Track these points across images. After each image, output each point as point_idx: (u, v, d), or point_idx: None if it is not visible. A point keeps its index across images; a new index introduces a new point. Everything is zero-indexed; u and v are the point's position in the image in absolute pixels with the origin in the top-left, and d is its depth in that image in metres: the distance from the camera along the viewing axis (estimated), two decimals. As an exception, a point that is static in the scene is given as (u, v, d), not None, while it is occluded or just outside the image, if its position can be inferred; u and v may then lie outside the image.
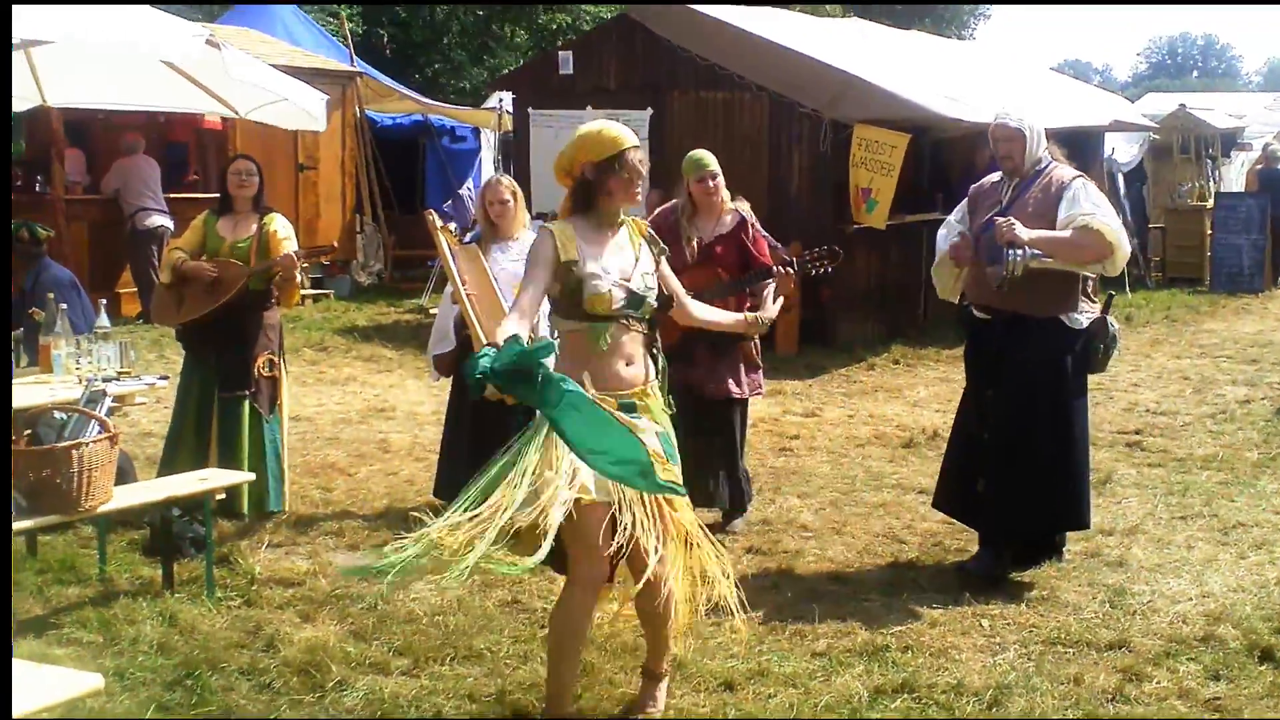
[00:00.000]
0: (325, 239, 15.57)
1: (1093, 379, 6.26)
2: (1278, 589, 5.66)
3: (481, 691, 4.63)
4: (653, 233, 4.42)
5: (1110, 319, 5.77)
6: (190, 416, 6.75)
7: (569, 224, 4.23)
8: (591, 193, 4.20)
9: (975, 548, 5.95)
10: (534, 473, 3.95)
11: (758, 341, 6.49)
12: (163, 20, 8.34)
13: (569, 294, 4.17)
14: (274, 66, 10.01)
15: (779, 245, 6.60)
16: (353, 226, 16.46)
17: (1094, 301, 5.80)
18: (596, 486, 4.03)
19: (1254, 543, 6.32)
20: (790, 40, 12.64)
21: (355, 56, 17.59)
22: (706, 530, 4.45)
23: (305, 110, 9.00)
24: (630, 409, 4.20)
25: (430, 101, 19.13)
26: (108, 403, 5.66)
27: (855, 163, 11.63)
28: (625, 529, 4.01)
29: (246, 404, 6.66)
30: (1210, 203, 17.47)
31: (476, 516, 3.91)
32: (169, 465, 6.63)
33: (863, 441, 8.60)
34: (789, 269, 6.23)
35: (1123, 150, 17.71)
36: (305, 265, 6.88)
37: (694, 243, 6.35)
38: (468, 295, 6.34)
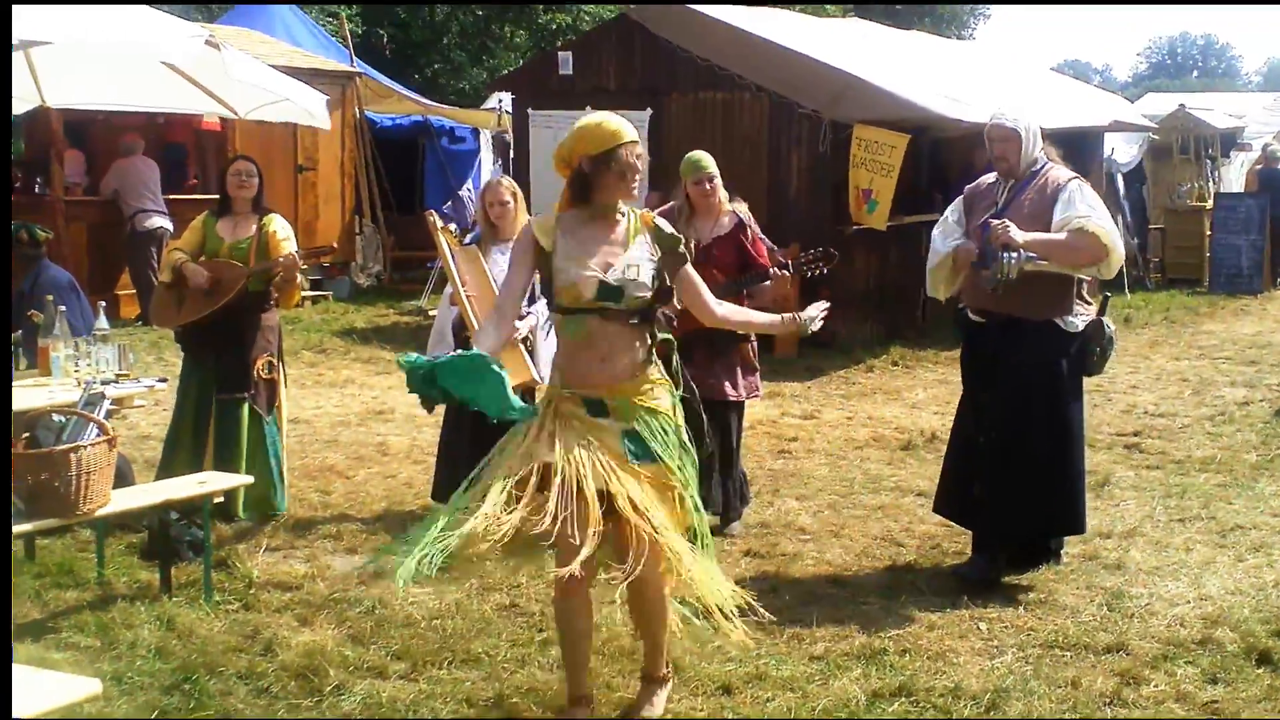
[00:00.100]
0: (324, 240, 15.58)
1: (1091, 380, 6.27)
2: (1276, 592, 5.67)
3: (479, 695, 4.63)
4: (663, 225, 4.34)
5: (1106, 321, 5.75)
6: (188, 419, 6.75)
7: (557, 216, 4.26)
8: (588, 185, 4.21)
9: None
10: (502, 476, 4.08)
11: (755, 344, 6.49)
12: (162, 21, 8.35)
13: (546, 285, 4.28)
14: (273, 67, 10.02)
15: (776, 248, 6.61)
16: (352, 227, 16.47)
17: (1089, 304, 5.79)
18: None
19: (1252, 545, 6.32)
20: (790, 41, 12.64)
21: (355, 57, 17.59)
22: (708, 534, 4.42)
23: (306, 110, 9.01)
24: (598, 408, 4.18)
25: (430, 102, 19.13)
26: (106, 405, 5.66)
27: (855, 163, 11.63)
28: (596, 530, 4.00)
29: (246, 406, 6.66)
30: (1209, 203, 17.48)
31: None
32: (167, 468, 6.63)
33: (861, 444, 8.60)
34: (786, 271, 6.23)
35: (1122, 151, 17.71)
36: (304, 267, 6.87)
37: (692, 244, 6.34)
38: (467, 297, 6.34)
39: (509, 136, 16.19)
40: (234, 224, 6.72)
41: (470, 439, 6.37)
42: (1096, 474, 7.60)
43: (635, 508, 4.06)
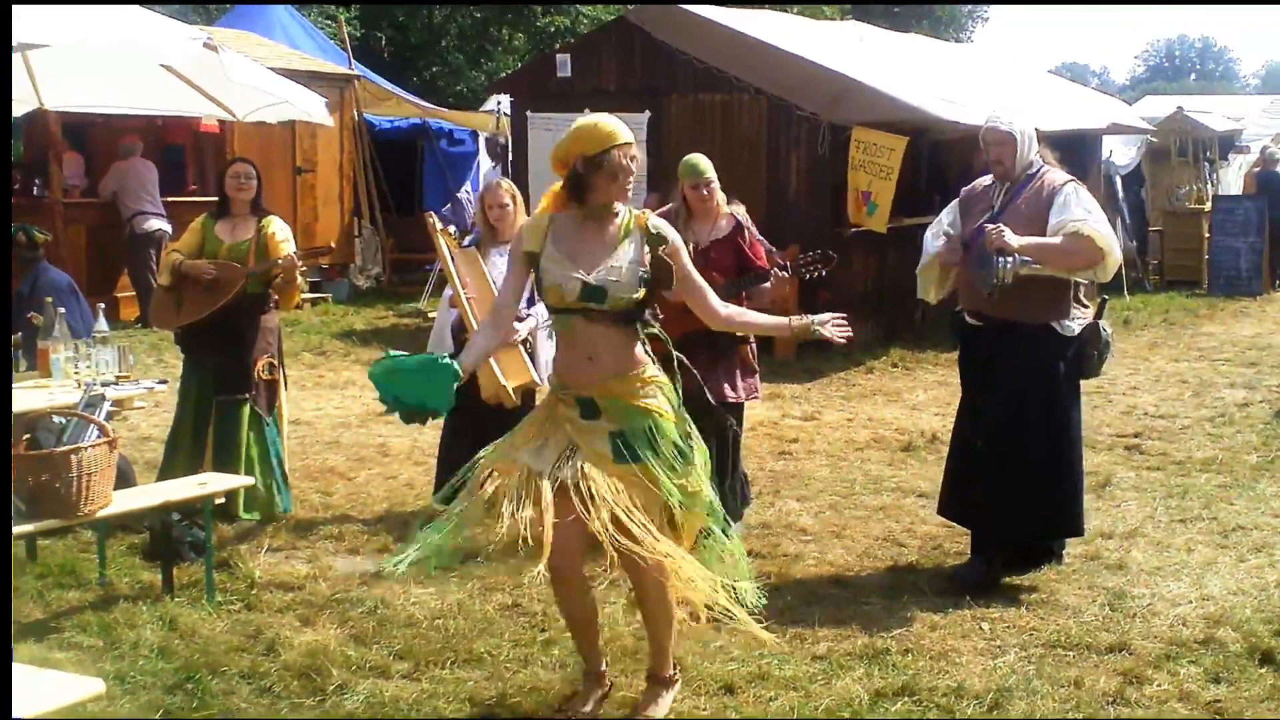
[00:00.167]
0: (323, 242, 15.60)
1: (1092, 382, 6.27)
2: (1278, 591, 5.67)
3: (482, 695, 4.63)
4: (655, 225, 4.34)
5: (1103, 324, 5.73)
6: (189, 420, 6.75)
7: (550, 217, 4.29)
8: (581, 185, 4.23)
9: (973, 552, 5.95)
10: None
11: (754, 345, 6.49)
12: (160, 23, 8.37)
13: (535, 285, 4.33)
14: (272, 70, 10.04)
15: (774, 249, 6.60)
16: (351, 230, 16.47)
17: (1087, 306, 5.77)
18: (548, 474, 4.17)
19: (1253, 545, 6.32)
20: (788, 43, 12.65)
21: (353, 59, 17.59)
22: (724, 535, 4.40)
23: (305, 110, 9.03)
24: (590, 408, 4.22)
25: (428, 104, 19.14)
26: (106, 407, 5.65)
27: (854, 165, 11.63)
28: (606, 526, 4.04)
29: (246, 407, 6.66)
30: (1208, 205, 17.48)
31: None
32: (168, 469, 6.63)
33: (861, 445, 8.60)
34: (784, 273, 6.23)
35: (1120, 153, 17.72)
36: (304, 269, 6.87)
37: (690, 247, 6.34)
38: (467, 299, 6.35)
39: (503, 139, 16.21)
40: (233, 226, 6.71)
41: (472, 440, 6.35)
42: (1098, 475, 7.61)
43: (620, 521, 4.08)
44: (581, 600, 4.41)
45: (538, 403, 4.52)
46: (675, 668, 4.56)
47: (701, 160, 6.37)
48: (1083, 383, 5.90)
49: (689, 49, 12.58)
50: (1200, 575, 5.89)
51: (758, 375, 6.55)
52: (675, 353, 4.40)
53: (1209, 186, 18.16)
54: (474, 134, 18.17)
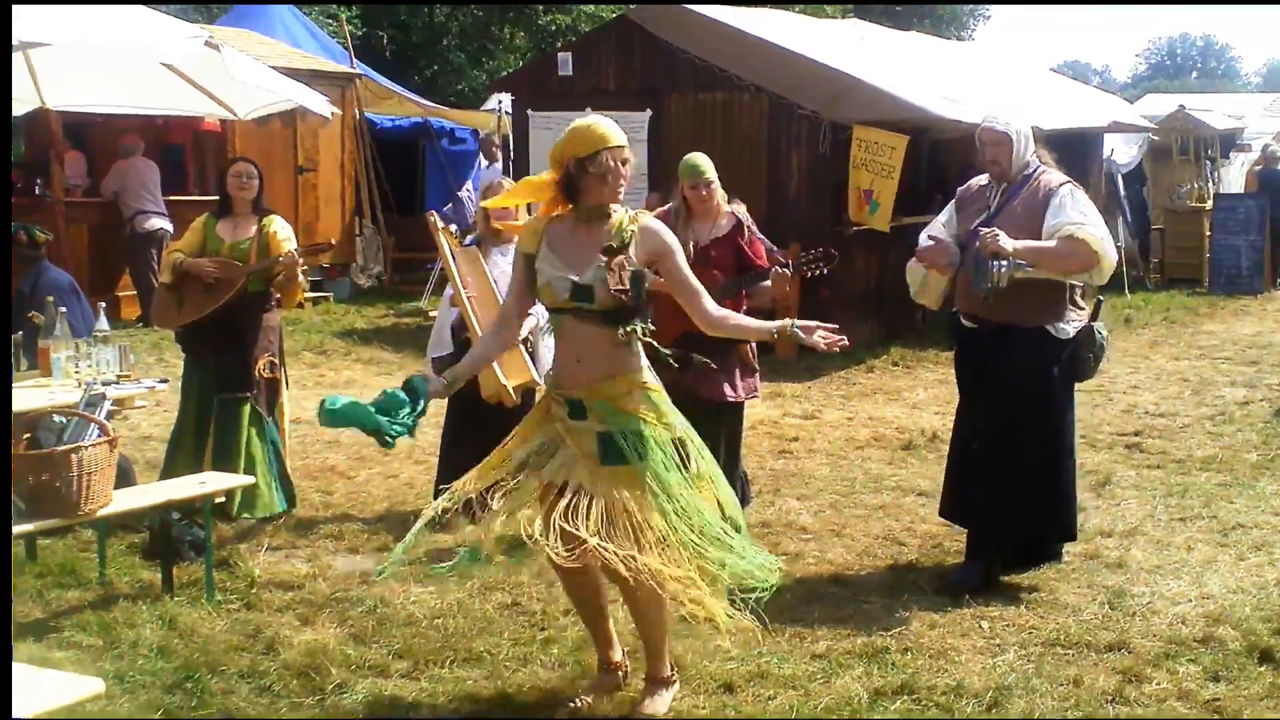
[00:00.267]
0: (324, 241, 15.57)
1: (1092, 380, 6.26)
2: (1277, 590, 5.67)
3: (481, 694, 4.63)
4: (647, 225, 4.34)
5: (1098, 326, 5.70)
6: (190, 419, 6.76)
7: (548, 219, 4.34)
8: (574, 186, 4.27)
9: (976, 551, 5.95)
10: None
11: (754, 344, 6.48)
12: (162, 22, 8.36)
13: (530, 285, 4.37)
14: (273, 68, 10.04)
15: (775, 248, 6.60)
16: (352, 229, 16.46)
17: (1082, 308, 5.74)
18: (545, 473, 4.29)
19: (1253, 544, 6.32)
20: (789, 41, 12.64)
21: (354, 58, 17.59)
22: (728, 535, 4.38)
23: (305, 107, 9.04)
24: (577, 409, 4.26)
25: (430, 103, 19.13)
26: (107, 406, 5.65)
27: (856, 164, 11.63)
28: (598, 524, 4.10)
29: (248, 406, 6.66)
30: (1209, 204, 17.47)
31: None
32: (170, 469, 6.64)
33: (862, 444, 8.60)
34: (785, 271, 6.23)
35: (1122, 151, 17.71)
36: (305, 268, 6.87)
37: (690, 246, 6.34)
38: (468, 298, 6.35)
39: (497, 138, 16.21)
40: (234, 225, 6.72)
41: (472, 439, 6.37)
42: (1097, 473, 7.62)
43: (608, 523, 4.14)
44: (589, 589, 4.43)
45: (537, 400, 4.54)
46: (673, 668, 4.57)
47: (701, 160, 6.36)
48: (1082, 383, 5.90)
49: (690, 48, 12.57)
50: (1200, 574, 5.89)
51: (757, 374, 6.55)
52: (670, 350, 4.41)
53: (1210, 185, 18.15)
54: (475, 133, 18.17)
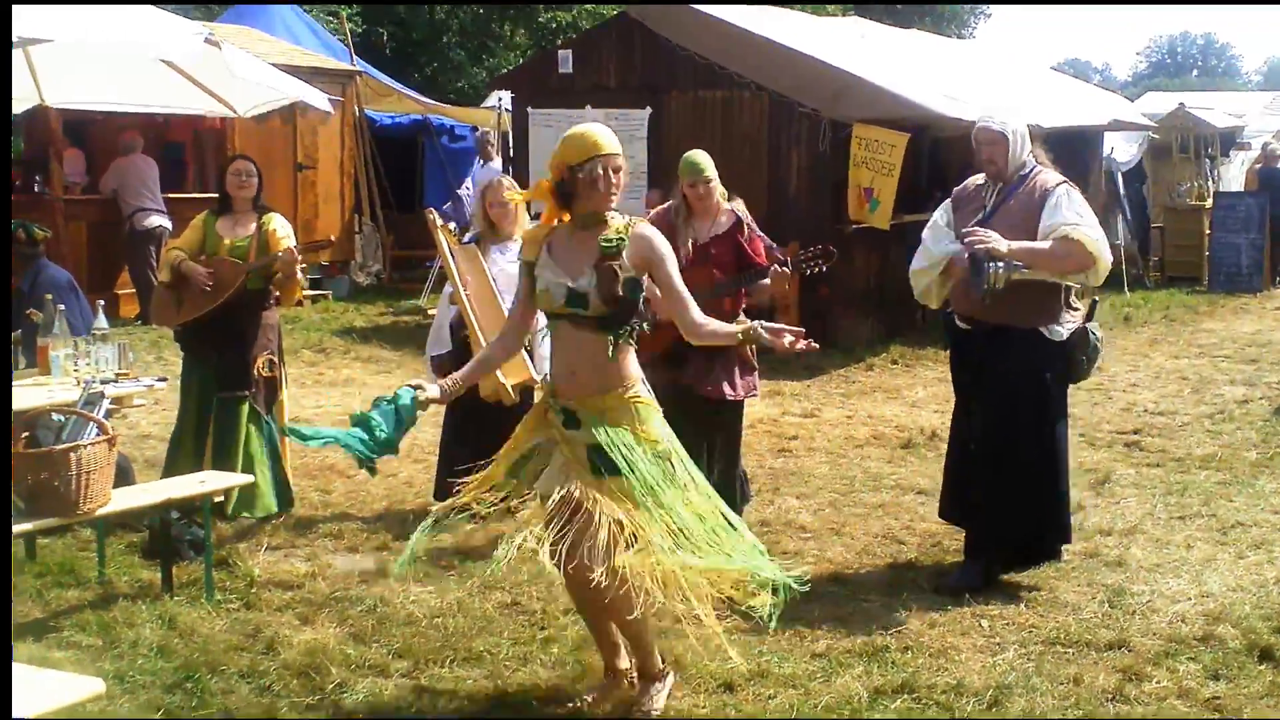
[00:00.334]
0: (324, 238, 15.58)
1: (1092, 379, 6.26)
2: (1277, 588, 5.67)
3: (481, 693, 4.63)
4: (646, 233, 4.35)
5: (1092, 328, 5.68)
6: (191, 418, 6.75)
7: (550, 227, 4.39)
8: (568, 193, 4.30)
9: (975, 549, 5.94)
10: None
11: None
12: (162, 19, 8.33)
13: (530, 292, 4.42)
14: (273, 65, 10.01)
15: (774, 245, 6.59)
16: (351, 226, 16.45)
17: (1077, 309, 5.70)
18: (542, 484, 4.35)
19: (1253, 542, 6.32)
20: (789, 39, 12.63)
21: (355, 55, 17.57)
22: (726, 533, 4.37)
23: (306, 102, 9.02)
24: (570, 418, 4.30)
25: (430, 101, 19.12)
26: (106, 405, 5.65)
27: (856, 163, 11.62)
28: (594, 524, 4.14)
29: (246, 405, 6.66)
30: (1209, 202, 17.47)
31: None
32: (172, 467, 6.63)
33: (861, 442, 8.60)
34: (784, 268, 6.22)
35: (1122, 150, 17.70)
36: (304, 266, 6.86)
37: (690, 244, 6.34)
38: (467, 295, 6.35)
39: (492, 136, 16.19)
40: (234, 223, 6.72)
41: (471, 438, 6.37)
42: (1097, 472, 7.62)
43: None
44: (579, 595, 4.44)
45: (536, 400, 4.55)
46: (664, 661, 4.57)
47: (701, 158, 6.35)
48: (1083, 380, 5.90)
49: (690, 45, 12.57)
50: (1199, 572, 5.89)
51: (756, 373, 6.54)
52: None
53: (1210, 183, 18.15)
54: (475, 130, 18.15)
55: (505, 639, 5.09)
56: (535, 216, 4.89)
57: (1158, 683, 4.71)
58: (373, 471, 4.41)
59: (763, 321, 4.42)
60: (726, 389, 6.29)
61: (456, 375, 4.58)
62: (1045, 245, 5.43)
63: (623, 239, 4.29)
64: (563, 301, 4.27)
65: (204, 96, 9.39)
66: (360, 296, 15.71)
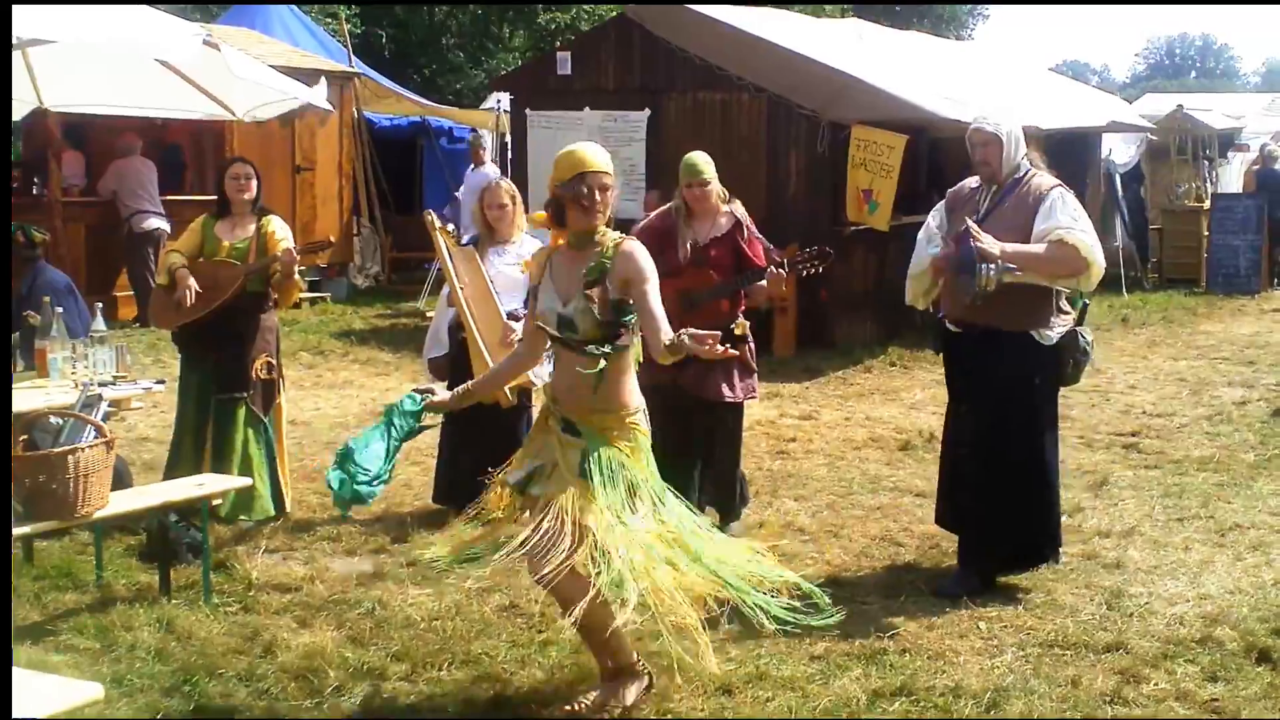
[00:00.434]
0: (323, 239, 15.54)
1: (1089, 381, 6.26)
2: (1275, 590, 5.67)
3: (479, 697, 4.63)
4: (632, 251, 4.30)
5: (1082, 331, 5.66)
6: (190, 420, 6.75)
7: (553, 249, 4.44)
8: (560, 212, 4.34)
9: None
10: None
11: (752, 345, 6.49)
12: (160, 20, 8.31)
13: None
14: (272, 67, 10.00)
15: (772, 247, 6.60)
16: (350, 228, 16.45)
17: (1068, 313, 5.65)
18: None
19: (1251, 544, 6.33)
20: (788, 41, 12.64)
21: (353, 57, 17.58)
22: (707, 541, 4.39)
23: (309, 100, 9.01)
24: (569, 427, 4.35)
25: (428, 102, 19.12)
26: (104, 407, 5.64)
27: (855, 164, 11.62)
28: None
29: (243, 407, 6.65)
30: (1207, 204, 17.47)
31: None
32: (172, 470, 6.62)
33: (859, 444, 8.60)
34: (782, 270, 6.23)
35: (1120, 151, 17.70)
36: (302, 267, 6.86)
37: (689, 245, 6.35)
38: (465, 298, 6.35)
39: (486, 141, 16.18)
40: (232, 225, 6.72)
41: (470, 440, 6.37)
42: (1095, 473, 7.62)
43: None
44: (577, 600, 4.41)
45: (533, 401, 4.57)
46: (634, 658, 4.55)
47: (700, 159, 6.35)
48: (1074, 384, 5.89)
49: (689, 47, 12.58)
50: (1197, 574, 5.89)
51: (755, 375, 6.55)
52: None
53: (1208, 184, 18.16)
54: (473, 132, 18.15)
55: (503, 642, 5.09)
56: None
57: (1156, 685, 4.71)
58: (343, 517, 4.47)
59: (690, 330, 4.19)
60: (726, 391, 6.30)
61: (468, 385, 4.66)
62: (1039, 249, 5.41)
63: (605, 263, 4.28)
64: (554, 328, 4.34)
65: (203, 99, 9.38)
66: (359, 299, 15.71)
